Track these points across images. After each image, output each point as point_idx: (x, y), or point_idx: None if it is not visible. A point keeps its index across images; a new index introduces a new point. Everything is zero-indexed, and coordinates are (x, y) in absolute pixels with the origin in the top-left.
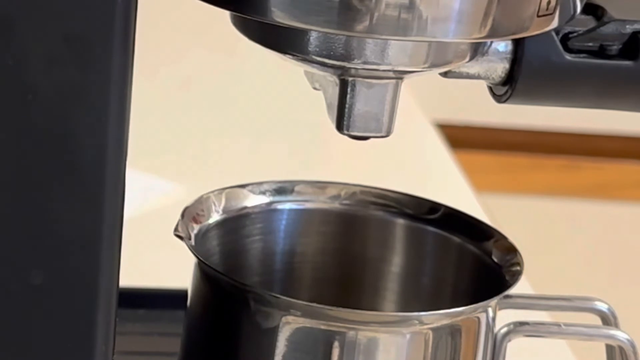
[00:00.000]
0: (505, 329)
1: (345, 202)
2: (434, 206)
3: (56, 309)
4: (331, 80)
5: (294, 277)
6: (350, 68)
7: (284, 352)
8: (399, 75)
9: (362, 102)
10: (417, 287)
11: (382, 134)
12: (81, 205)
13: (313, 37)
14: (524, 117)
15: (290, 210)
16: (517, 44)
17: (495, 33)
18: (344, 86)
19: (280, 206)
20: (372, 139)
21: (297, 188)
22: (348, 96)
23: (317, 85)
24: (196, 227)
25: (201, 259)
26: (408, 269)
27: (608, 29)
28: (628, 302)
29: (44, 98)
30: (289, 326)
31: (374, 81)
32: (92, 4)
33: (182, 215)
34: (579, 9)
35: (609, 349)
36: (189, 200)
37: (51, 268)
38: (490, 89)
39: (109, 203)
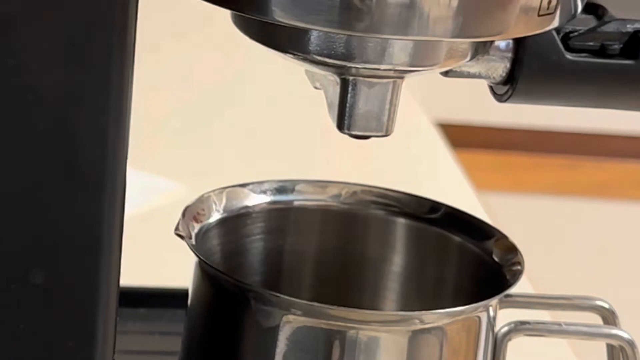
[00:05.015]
0: (506, 328)
1: (346, 201)
2: (435, 205)
3: (56, 308)
4: (332, 80)
5: (294, 276)
6: (351, 67)
7: (285, 351)
8: (400, 74)
9: (363, 101)
10: (418, 286)
11: (383, 133)
12: (81, 205)
13: (314, 36)
14: (525, 117)
15: (291, 209)
16: (518, 43)
17: (495, 32)
18: (344, 85)
19: (281, 205)
20: (372, 138)
21: (297, 187)
22: (349, 95)
23: (317, 85)
24: (197, 226)
25: (202, 258)
26: (409, 268)
27: (609, 28)
28: (628, 301)
29: (44, 98)
30: (289, 325)
31: (374, 80)
32: (92, 4)
33: (183, 215)
34: (579, 8)
35: (610, 348)
36: (189, 200)
37: (51, 268)
38: (491, 88)
39: (109, 202)
